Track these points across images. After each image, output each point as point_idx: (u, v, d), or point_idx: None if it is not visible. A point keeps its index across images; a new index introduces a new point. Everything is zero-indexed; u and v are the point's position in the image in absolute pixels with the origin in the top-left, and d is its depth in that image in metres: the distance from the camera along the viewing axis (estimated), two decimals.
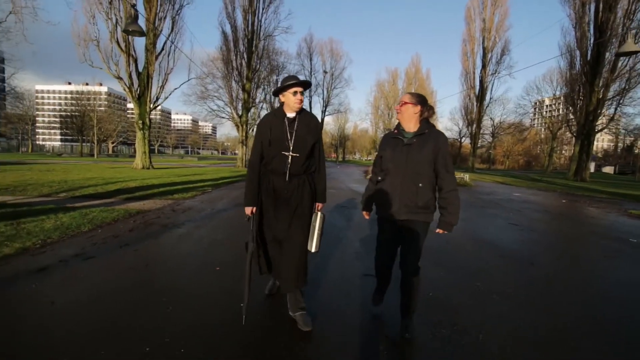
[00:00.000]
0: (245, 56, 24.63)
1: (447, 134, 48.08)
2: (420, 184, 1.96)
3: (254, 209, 2.21)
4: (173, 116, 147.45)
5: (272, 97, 38.41)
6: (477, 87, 32.24)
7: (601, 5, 20.42)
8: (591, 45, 20.58)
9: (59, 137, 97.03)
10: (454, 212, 1.97)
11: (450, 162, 2.00)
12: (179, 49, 18.88)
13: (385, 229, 2.12)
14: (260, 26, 24.58)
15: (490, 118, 44.93)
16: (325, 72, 43.02)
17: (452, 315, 2.37)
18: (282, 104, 2.22)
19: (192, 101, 26.99)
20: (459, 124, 41.86)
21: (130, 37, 17.21)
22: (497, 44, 30.63)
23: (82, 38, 16.90)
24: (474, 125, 32.75)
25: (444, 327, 2.20)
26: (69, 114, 55.72)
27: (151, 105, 18.56)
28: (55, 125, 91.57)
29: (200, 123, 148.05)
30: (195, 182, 11.42)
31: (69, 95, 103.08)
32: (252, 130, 30.50)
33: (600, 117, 23.76)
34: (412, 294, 2.06)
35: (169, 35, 18.44)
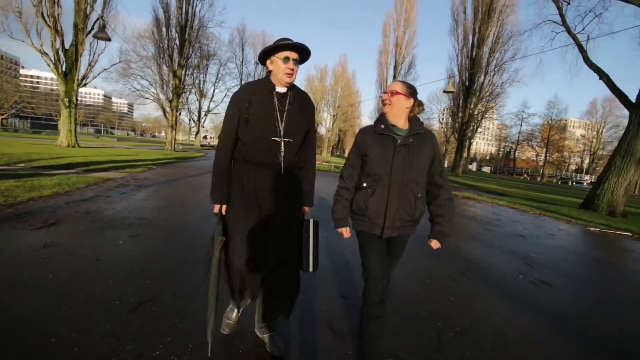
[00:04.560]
0: (177, 43, 25.31)
1: None
2: (419, 194, 1.68)
3: (224, 207, 1.72)
4: (80, 89, 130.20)
5: (202, 82, 39.40)
6: None
7: (476, 42, 26.69)
8: (466, 72, 26.82)
9: None
10: (450, 221, 1.73)
11: (445, 168, 1.79)
12: (113, 29, 19.18)
13: (374, 243, 1.70)
14: (195, 16, 25.48)
15: None
16: (257, 63, 44.58)
17: None
18: (268, 73, 1.72)
19: (112, 78, 26.54)
20: None
21: (57, 12, 17.14)
22: (405, 59, 36.33)
23: (0, 6, 16.32)
24: None
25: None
26: None
27: (78, 83, 18.63)
28: None
29: (113, 100, 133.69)
30: (135, 161, 12.95)
31: None
32: (180, 114, 31.22)
33: (478, 128, 30.85)
34: (381, 315, 1.70)
35: (102, 14, 18.61)
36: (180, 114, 30.17)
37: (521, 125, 52.54)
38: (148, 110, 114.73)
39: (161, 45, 24.95)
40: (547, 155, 55.55)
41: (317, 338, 1.98)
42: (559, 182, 53.54)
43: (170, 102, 26.03)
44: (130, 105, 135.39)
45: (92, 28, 18.67)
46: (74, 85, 18.30)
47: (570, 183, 53.47)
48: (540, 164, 58.64)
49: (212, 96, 41.07)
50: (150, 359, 1.63)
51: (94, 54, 19.07)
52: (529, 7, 59.42)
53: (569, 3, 11.76)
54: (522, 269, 3.71)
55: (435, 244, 1.73)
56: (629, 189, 9.53)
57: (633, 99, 9.59)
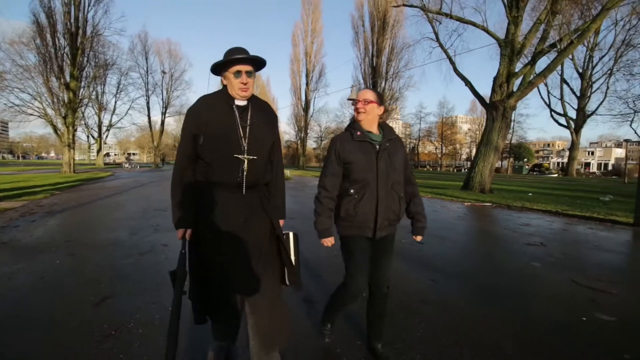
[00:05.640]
0: (68, 51, 22.70)
1: (285, 137, 55.42)
2: (401, 194, 1.82)
3: (189, 231, 1.56)
4: None
5: (100, 94, 35.61)
6: (304, 100, 39.52)
7: (375, 52, 29.92)
8: (369, 79, 29.93)
9: None
10: (425, 216, 1.92)
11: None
12: None
13: (363, 246, 1.79)
14: (87, 22, 23.20)
15: (318, 124, 54.71)
16: (164, 72, 41.86)
17: None
18: (225, 86, 1.62)
19: None
20: (295, 129, 49.16)
21: None
22: (316, 67, 38.50)
23: None
24: (302, 132, 39.96)
25: None
26: None
27: None
28: None
29: None
30: (31, 188, 11.53)
31: None
32: (77, 130, 27.77)
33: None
34: (387, 312, 1.93)
35: None
36: (76, 130, 26.87)
37: (420, 123, 60.18)
38: (30, 128, 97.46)
39: (47, 54, 22.03)
40: (443, 148, 64.32)
41: None
42: (455, 170, 62.44)
43: (65, 118, 23.15)
44: (4, 123, 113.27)
45: None
46: None
47: (463, 170, 62.79)
48: (439, 156, 67.50)
49: (114, 109, 37.44)
50: (126, 329, 2.13)
51: None
52: (411, 25, 68.55)
53: (440, 22, 14.43)
54: (405, 236, 4.92)
55: (419, 238, 1.91)
56: (492, 170, 12.25)
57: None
